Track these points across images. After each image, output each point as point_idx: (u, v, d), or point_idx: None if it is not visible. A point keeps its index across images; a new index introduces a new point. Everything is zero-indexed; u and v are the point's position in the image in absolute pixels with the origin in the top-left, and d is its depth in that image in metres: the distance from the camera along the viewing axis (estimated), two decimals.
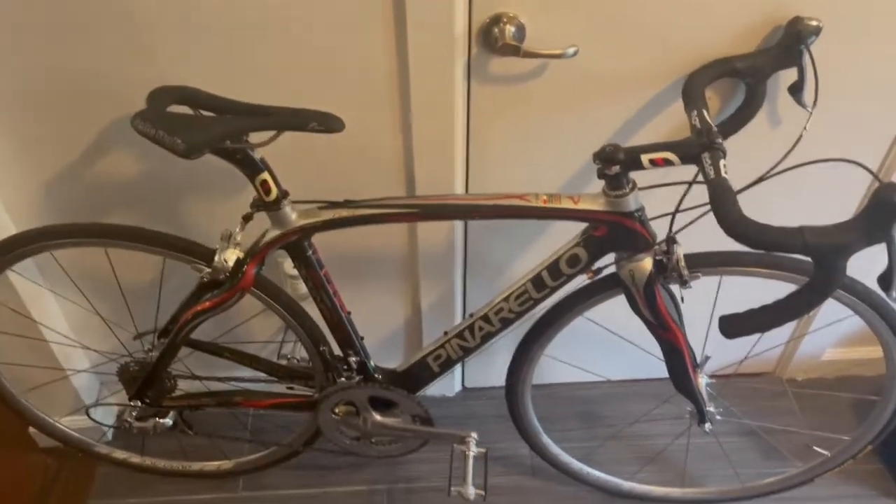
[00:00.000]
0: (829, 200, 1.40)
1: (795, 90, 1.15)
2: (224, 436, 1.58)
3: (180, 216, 1.38)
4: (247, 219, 1.16)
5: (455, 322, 1.28)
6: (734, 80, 1.20)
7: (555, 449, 1.54)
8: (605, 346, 1.54)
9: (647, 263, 1.11)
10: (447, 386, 1.81)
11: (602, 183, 1.05)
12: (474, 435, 1.39)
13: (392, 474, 1.67)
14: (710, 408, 1.33)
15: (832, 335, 1.72)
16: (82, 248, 1.26)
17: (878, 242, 0.81)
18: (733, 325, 0.95)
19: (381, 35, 1.13)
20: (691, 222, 1.08)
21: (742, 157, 1.09)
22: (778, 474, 1.54)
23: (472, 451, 1.37)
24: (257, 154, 1.07)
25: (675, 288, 1.17)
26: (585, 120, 1.25)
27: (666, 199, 1.07)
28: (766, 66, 1.13)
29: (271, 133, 1.04)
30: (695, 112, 1.04)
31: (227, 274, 1.18)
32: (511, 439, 1.52)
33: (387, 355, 1.49)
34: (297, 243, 1.16)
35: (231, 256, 1.18)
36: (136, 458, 1.65)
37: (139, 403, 1.38)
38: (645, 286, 1.13)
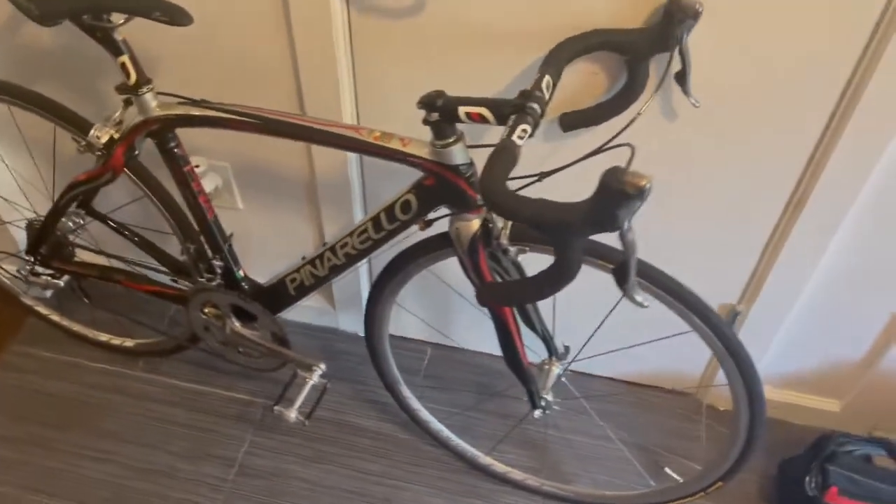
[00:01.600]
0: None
1: (680, 78, 1.07)
2: (121, 314, 1.67)
3: (99, 95, 1.44)
4: (127, 102, 1.21)
5: None
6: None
7: (414, 403, 1.52)
8: None
9: (473, 225, 1.08)
10: (361, 326, 1.81)
11: None
12: (322, 366, 1.41)
13: (274, 392, 1.71)
14: (549, 396, 1.28)
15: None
16: None
17: (608, 230, 0.75)
18: (488, 293, 0.91)
19: None
20: (518, 189, 1.02)
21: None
22: (635, 490, 1.46)
23: (313, 379, 1.39)
24: (119, 35, 1.11)
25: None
26: (467, 70, 1.19)
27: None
28: (644, 45, 1.04)
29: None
30: (538, 76, 0.98)
31: (102, 151, 1.24)
32: None
33: None
34: (159, 133, 1.19)
35: (105, 135, 1.24)
36: (55, 317, 1.78)
37: (31, 258, 1.48)
38: (468, 248, 1.09)
